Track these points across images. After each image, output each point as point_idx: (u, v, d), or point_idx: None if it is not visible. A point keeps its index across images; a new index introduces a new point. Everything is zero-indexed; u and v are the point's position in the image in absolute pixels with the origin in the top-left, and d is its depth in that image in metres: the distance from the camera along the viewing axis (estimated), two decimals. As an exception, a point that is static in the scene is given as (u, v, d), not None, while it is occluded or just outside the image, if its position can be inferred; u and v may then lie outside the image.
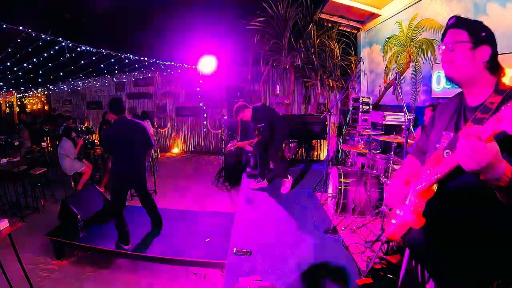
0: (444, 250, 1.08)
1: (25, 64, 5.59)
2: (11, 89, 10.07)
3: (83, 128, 8.06)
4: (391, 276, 2.27)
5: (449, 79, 1.10)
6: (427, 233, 1.14)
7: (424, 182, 1.03)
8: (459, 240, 1.04)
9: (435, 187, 1.01)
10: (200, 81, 9.16)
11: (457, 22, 1.07)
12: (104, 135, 3.51)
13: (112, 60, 5.90)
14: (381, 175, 3.37)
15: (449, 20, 1.10)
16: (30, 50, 4.69)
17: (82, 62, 5.66)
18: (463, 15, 1.08)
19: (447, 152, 0.99)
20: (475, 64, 1.02)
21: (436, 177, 0.96)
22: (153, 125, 8.29)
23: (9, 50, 4.63)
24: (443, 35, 1.10)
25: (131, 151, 3.27)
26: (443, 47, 1.08)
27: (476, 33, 1.02)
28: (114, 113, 3.24)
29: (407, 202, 1.12)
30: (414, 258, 1.23)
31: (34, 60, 5.34)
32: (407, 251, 1.31)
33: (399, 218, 1.12)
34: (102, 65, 6.27)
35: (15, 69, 5.77)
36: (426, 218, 1.01)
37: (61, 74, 6.49)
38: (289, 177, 4.44)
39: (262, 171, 4.60)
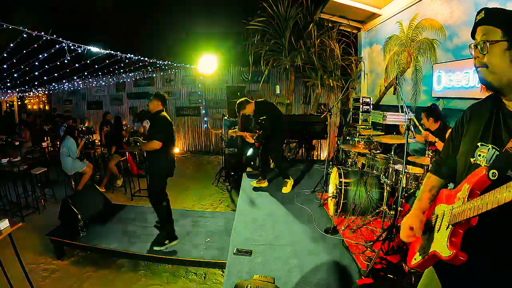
0: (484, 282, 0.92)
1: (25, 64, 5.59)
2: (11, 90, 10.08)
3: (84, 128, 8.06)
4: (391, 276, 2.26)
5: (485, 84, 0.93)
6: (464, 267, 0.91)
7: (463, 209, 0.86)
8: (501, 270, 0.88)
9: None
10: (200, 82, 9.17)
11: (487, 17, 0.90)
12: (163, 125, 3.22)
13: (112, 60, 5.90)
14: (381, 175, 3.36)
15: (477, 13, 0.93)
16: (30, 50, 4.69)
17: (83, 62, 5.65)
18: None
19: (493, 174, 0.82)
20: None
21: (486, 206, 0.77)
22: None
23: (9, 50, 4.63)
24: (472, 33, 0.94)
25: (174, 143, 3.42)
26: (473, 49, 0.92)
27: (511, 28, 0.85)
28: (164, 105, 3.28)
29: (437, 232, 0.97)
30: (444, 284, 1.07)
31: (34, 60, 5.34)
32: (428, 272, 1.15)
33: (429, 249, 0.98)
34: (102, 65, 6.27)
35: (15, 69, 5.77)
36: (466, 252, 0.86)
37: (61, 74, 6.50)
38: (290, 178, 4.44)
39: (264, 171, 4.60)
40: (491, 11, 0.90)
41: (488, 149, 0.90)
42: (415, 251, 1.10)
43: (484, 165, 0.89)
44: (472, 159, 0.95)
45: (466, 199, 0.88)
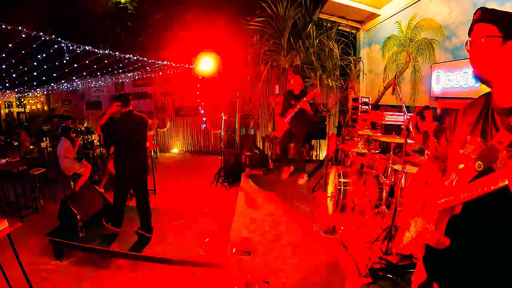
0: (469, 273, 0.95)
1: (24, 64, 5.58)
2: (9, 90, 10.06)
3: (82, 129, 8.04)
4: (390, 276, 2.27)
5: (477, 77, 1.01)
6: (447, 253, 0.97)
7: (448, 197, 0.91)
8: (487, 263, 0.91)
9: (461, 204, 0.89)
10: (199, 82, 9.15)
11: (483, 16, 0.98)
12: (115, 127, 3.35)
13: (112, 60, 5.89)
14: (380, 175, 3.37)
15: (474, 13, 1.02)
16: (29, 50, 4.68)
17: (82, 62, 5.65)
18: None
19: (479, 165, 0.86)
20: (506, 61, 0.92)
21: (468, 195, 0.83)
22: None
23: (8, 50, 4.62)
24: (470, 30, 1.02)
25: (140, 146, 3.40)
26: (469, 44, 1.00)
27: (506, 25, 0.92)
28: (124, 105, 3.31)
29: (425, 215, 1.02)
30: (430, 276, 1.11)
31: (33, 60, 5.34)
32: (419, 265, 1.19)
33: (416, 232, 1.03)
34: (101, 65, 6.26)
35: (14, 69, 5.76)
36: (449, 238, 0.91)
37: (60, 74, 6.49)
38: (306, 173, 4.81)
39: (301, 165, 4.98)
40: (487, 10, 0.99)
41: (477, 142, 0.96)
42: (403, 235, 1.15)
43: (472, 157, 0.94)
44: (461, 151, 1.00)
45: (452, 188, 0.93)
